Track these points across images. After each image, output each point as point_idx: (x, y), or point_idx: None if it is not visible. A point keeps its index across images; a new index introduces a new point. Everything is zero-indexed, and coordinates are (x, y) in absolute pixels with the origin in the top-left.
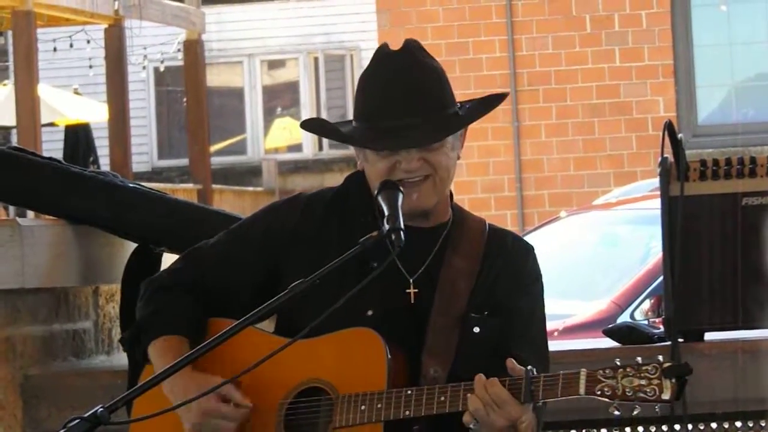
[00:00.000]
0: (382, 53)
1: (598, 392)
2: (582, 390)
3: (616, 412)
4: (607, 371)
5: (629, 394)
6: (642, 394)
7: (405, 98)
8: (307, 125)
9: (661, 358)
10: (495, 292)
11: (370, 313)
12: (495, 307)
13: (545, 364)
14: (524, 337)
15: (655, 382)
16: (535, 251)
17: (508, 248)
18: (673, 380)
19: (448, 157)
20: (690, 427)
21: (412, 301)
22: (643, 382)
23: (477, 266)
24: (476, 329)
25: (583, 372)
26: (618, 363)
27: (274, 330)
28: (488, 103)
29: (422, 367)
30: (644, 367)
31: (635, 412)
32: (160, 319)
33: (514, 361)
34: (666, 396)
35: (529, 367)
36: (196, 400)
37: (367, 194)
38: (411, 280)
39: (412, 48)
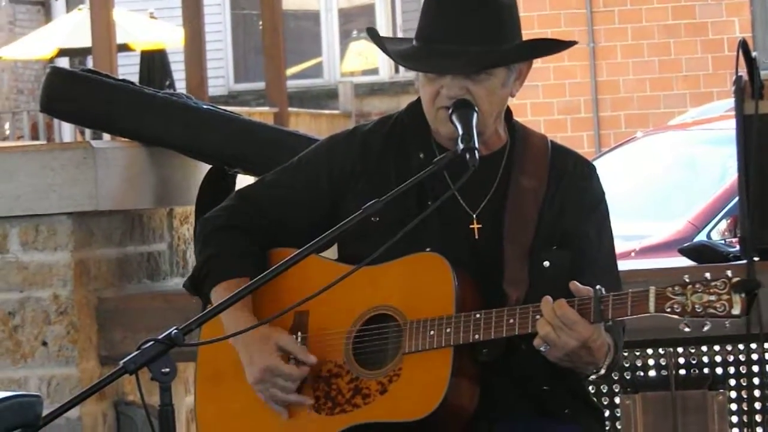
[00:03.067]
0: None
1: (668, 309)
2: (651, 308)
3: (687, 329)
4: (676, 288)
5: (699, 311)
6: (712, 310)
7: (456, 23)
8: (371, 33)
9: (730, 273)
10: (561, 219)
11: (428, 250)
12: (563, 238)
13: (618, 287)
14: (595, 263)
15: (725, 297)
16: (597, 171)
17: (571, 169)
18: (743, 295)
19: (493, 92)
20: (766, 345)
21: (476, 237)
22: (712, 297)
23: (543, 186)
24: (546, 263)
25: (652, 289)
26: (687, 279)
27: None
28: (545, 47)
29: (507, 296)
30: (713, 283)
31: (705, 328)
32: (221, 262)
33: (578, 283)
34: (736, 311)
35: (598, 287)
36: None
37: (425, 126)
38: (474, 216)
39: None
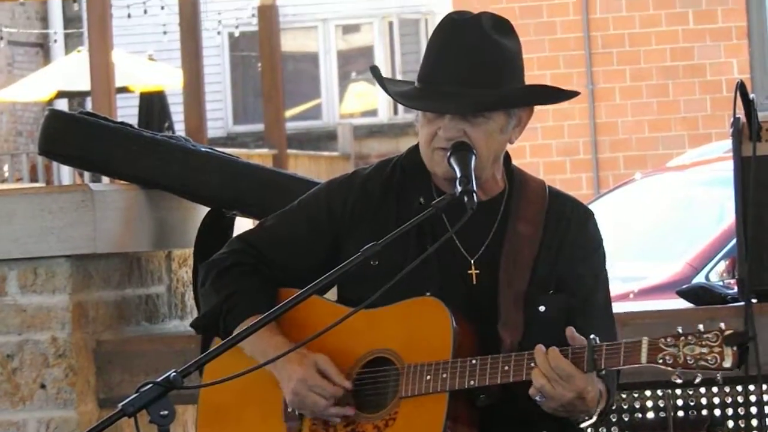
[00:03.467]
0: (450, 19)
1: (660, 361)
2: (644, 359)
3: (678, 380)
4: (668, 339)
5: (690, 363)
6: (703, 363)
7: (457, 66)
8: (374, 71)
9: (722, 325)
10: (558, 265)
11: (428, 294)
12: (559, 282)
13: (612, 332)
14: (592, 307)
15: (717, 350)
16: (595, 216)
17: (569, 214)
18: (735, 348)
19: (491, 136)
20: (764, 387)
21: (474, 282)
22: (704, 350)
23: (540, 232)
24: (542, 308)
25: (645, 340)
26: (680, 331)
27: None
28: (545, 95)
29: (502, 340)
30: (705, 335)
31: (697, 380)
32: (243, 298)
33: (574, 330)
34: (727, 364)
35: (592, 336)
36: (288, 353)
37: (424, 171)
38: (472, 261)
39: (483, 19)
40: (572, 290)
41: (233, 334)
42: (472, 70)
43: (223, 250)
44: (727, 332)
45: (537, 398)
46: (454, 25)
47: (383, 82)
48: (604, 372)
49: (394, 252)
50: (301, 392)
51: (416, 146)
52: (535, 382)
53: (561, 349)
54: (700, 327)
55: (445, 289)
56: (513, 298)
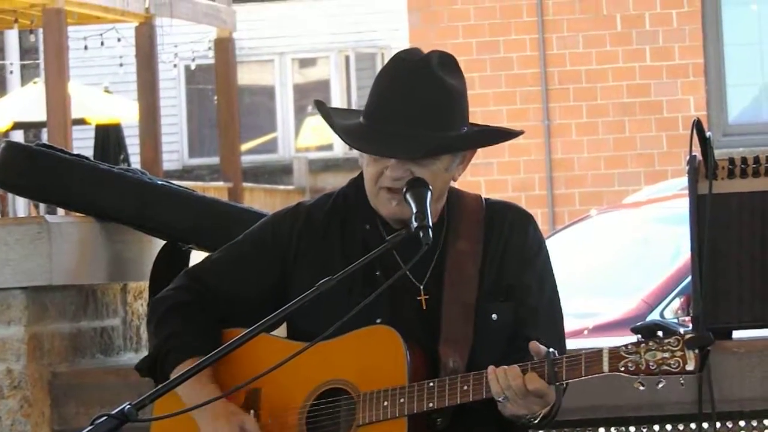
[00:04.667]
0: (399, 58)
1: (622, 368)
2: (605, 367)
3: (641, 387)
4: (629, 347)
5: (653, 368)
6: (666, 367)
7: (404, 105)
8: (319, 106)
9: (682, 330)
10: (503, 272)
11: (378, 321)
12: (507, 290)
13: (559, 335)
14: (537, 313)
15: (678, 354)
16: (534, 219)
17: (509, 221)
18: (696, 351)
19: (437, 175)
20: (718, 425)
21: (425, 308)
22: (666, 355)
23: (480, 245)
24: (494, 316)
25: (606, 349)
26: (640, 338)
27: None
28: (492, 137)
29: (440, 359)
30: (666, 341)
31: (660, 386)
32: (181, 341)
33: (537, 344)
34: (690, 367)
35: (551, 350)
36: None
37: (367, 200)
38: (421, 287)
39: (432, 59)
40: (518, 297)
41: (170, 379)
42: (420, 110)
43: (170, 286)
44: (688, 336)
45: (500, 399)
46: (403, 65)
47: (330, 118)
48: (565, 385)
49: (340, 282)
50: None
51: (359, 177)
52: (494, 393)
53: (520, 365)
54: (660, 333)
55: (397, 316)
56: (461, 313)
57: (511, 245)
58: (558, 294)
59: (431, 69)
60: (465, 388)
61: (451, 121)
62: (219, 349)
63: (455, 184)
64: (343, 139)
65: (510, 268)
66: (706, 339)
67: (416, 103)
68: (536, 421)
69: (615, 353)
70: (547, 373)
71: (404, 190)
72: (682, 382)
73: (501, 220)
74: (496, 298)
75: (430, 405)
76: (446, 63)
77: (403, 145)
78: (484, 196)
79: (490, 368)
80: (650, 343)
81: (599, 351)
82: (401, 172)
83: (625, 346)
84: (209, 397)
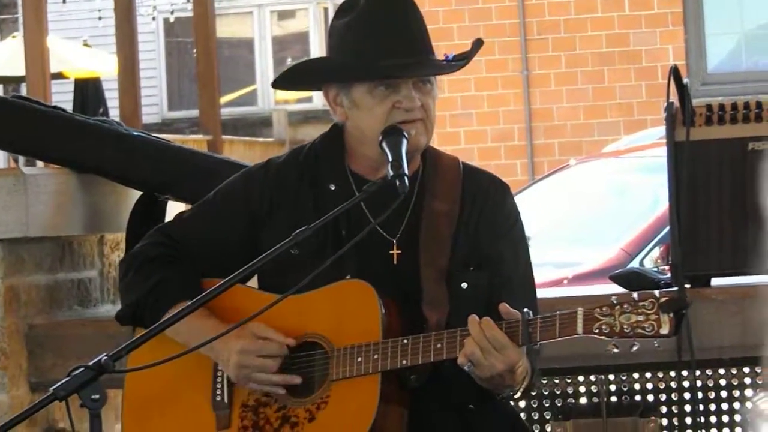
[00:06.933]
0: None
1: (596, 330)
2: (580, 329)
3: (615, 350)
4: (604, 309)
5: (627, 331)
6: (640, 330)
7: (405, 37)
8: (283, 81)
9: (657, 293)
10: (477, 241)
11: (348, 277)
12: (480, 259)
13: (534, 304)
14: (511, 282)
15: (653, 317)
16: (510, 189)
17: (485, 189)
18: (671, 315)
19: (434, 101)
20: (698, 372)
21: (395, 262)
22: (640, 318)
23: (457, 208)
24: (464, 285)
25: (580, 311)
26: (614, 300)
27: None
28: (466, 53)
29: (425, 317)
30: (641, 303)
31: (634, 348)
32: (170, 287)
33: (507, 306)
34: (664, 330)
35: (525, 310)
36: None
37: (339, 155)
38: (394, 241)
39: None
40: (493, 267)
41: (162, 320)
42: (419, 39)
43: (142, 242)
44: (663, 299)
45: (466, 367)
46: (377, 1)
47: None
48: (538, 346)
49: (309, 242)
50: (245, 362)
51: (330, 132)
52: (466, 349)
53: (496, 322)
54: (635, 296)
55: (366, 270)
56: (435, 276)
57: (487, 214)
58: (531, 266)
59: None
60: (438, 346)
61: (432, 46)
62: (207, 291)
63: (437, 146)
64: (364, 80)
65: (484, 237)
66: (681, 302)
67: (409, 30)
68: (517, 395)
69: (589, 315)
70: (521, 332)
71: (380, 138)
72: (656, 344)
73: (478, 186)
74: (466, 267)
75: (404, 362)
76: None
77: (422, 67)
78: (475, 157)
79: (472, 316)
80: (625, 306)
81: (573, 312)
82: (415, 101)
83: (600, 307)
84: (214, 329)
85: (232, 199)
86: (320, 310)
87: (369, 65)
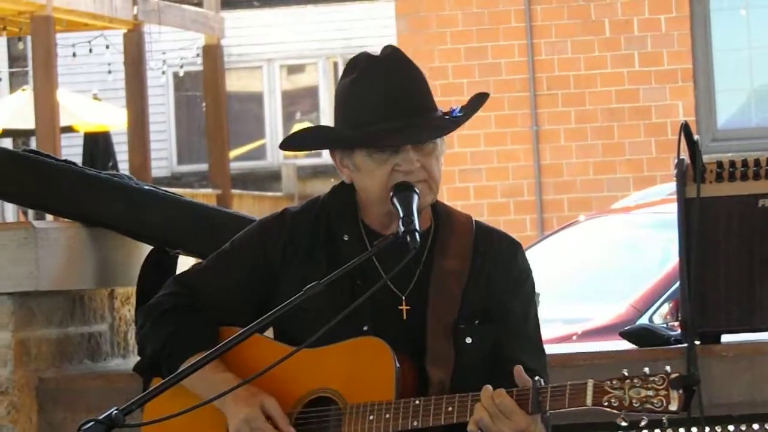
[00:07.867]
0: (364, 59)
1: (606, 403)
2: (589, 401)
3: (623, 423)
4: (614, 382)
5: (636, 406)
6: (649, 406)
7: (403, 99)
8: (291, 143)
9: (668, 368)
10: (486, 296)
11: (366, 328)
12: (487, 313)
13: (543, 362)
14: (521, 336)
15: (663, 393)
16: (522, 247)
17: (496, 246)
18: (680, 391)
19: (438, 162)
20: (707, 429)
21: (405, 318)
22: (650, 393)
23: (467, 266)
24: (468, 339)
25: (591, 383)
26: (625, 374)
27: None
28: (475, 105)
29: (428, 376)
30: (651, 378)
31: (642, 423)
32: (184, 338)
33: (522, 369)
34: (673, 407)
35: (537, 378)
36: (236, 388)
37: (351, 211)
38: (403, 297)
39: (396, 51)
40: (501, 321)
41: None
42: (416, 100)
43: (160, 293)
44: (674, 375)
45: None
46: (377, 63)
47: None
48: (548, 414)
49: (325, 293)
50: (242, 430)
51: (342, 185)
52: (475, 415)
53: (507, 390)
54: (646, 370)
55: (379, 325)
56: (442, 333)
57: (498, 271)
58: (539, 324)
59: (401, 57)
60: (449, 409)
61: (434, 103)
62: (224, 342)
63: (446, 201)
64: (358, 146)
65: (495, 292)
66: (692, 379)
67: (406, 91)
68: None
69: (599, 387)
70: (531, 401)
71: (390, 194)
72: (664, 421)
73: (489, 244)
74: (472, 321)
75: (415, 424)
76: (402, 52)
77: (416, 133)
78: (484, 212)
79: (486, 387)
80: (635, 380)
81: (584, 384)
82: (415, 162)
83: (610, 380)
84: (226, 383)
85: (248, 249)
86: (335, 365)
87: (366, 132)
